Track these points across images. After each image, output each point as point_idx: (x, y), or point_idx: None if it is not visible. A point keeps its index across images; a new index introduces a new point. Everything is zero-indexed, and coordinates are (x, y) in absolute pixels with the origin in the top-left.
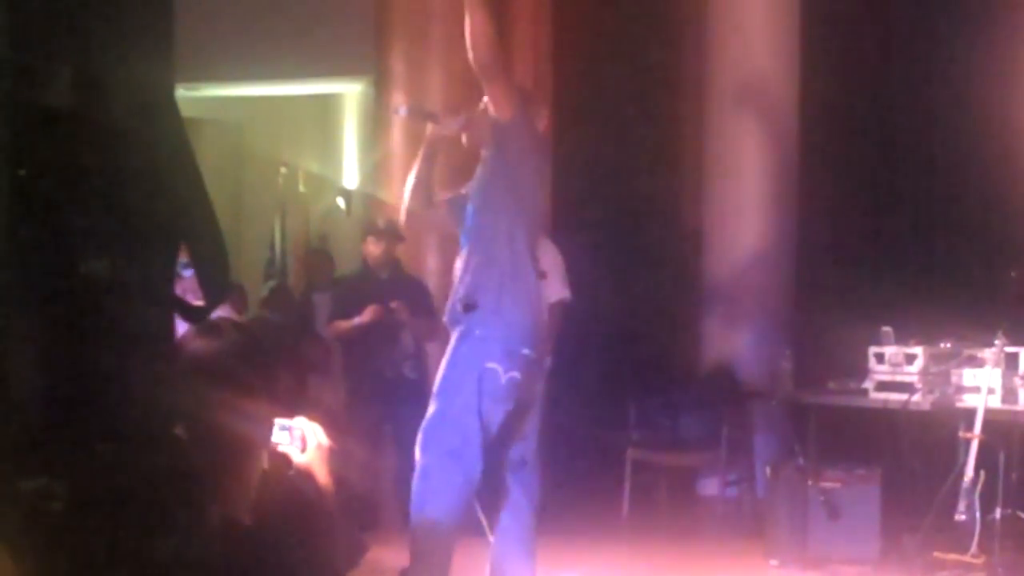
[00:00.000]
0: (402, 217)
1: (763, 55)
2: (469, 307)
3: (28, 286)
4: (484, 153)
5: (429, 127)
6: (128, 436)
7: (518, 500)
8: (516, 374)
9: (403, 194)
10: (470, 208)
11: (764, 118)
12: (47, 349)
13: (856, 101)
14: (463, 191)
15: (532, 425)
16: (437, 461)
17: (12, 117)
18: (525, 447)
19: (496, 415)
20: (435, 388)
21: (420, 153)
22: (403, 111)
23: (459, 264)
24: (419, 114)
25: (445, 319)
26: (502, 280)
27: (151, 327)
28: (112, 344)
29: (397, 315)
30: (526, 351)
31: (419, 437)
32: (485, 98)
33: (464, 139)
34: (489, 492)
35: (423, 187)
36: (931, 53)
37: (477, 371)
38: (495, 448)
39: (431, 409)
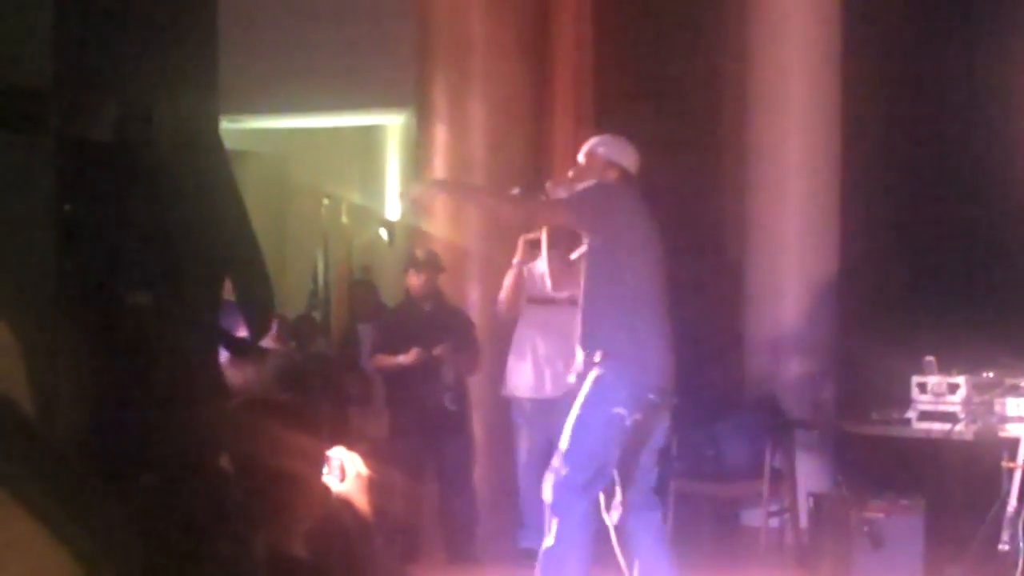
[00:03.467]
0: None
1: (804, 85)
2: (598, 354)
3: (74, 318)
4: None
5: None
6: (172, 467)
7: (648, 543)
8: (639, 416)
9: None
10: (585, 247)
11: (805, 147)
12: (92, 381)
13: (899, 127)
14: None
15: (653, 458)
16: (565, 496)
17: (59, 151)
18: (646, 481)
19: (618, 454)
20: (569, 425)
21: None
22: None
23: (580, 298)
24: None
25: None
26: (630, 324)
27: (196, 359)
28: (157, 376)
29: (440, 358)
30: (651, 396)
31: (552, 474)
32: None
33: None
34: (625, 532)
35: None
36: (978, 76)
37: (606, 415)
38: (625, 484)
39: (565, 444)
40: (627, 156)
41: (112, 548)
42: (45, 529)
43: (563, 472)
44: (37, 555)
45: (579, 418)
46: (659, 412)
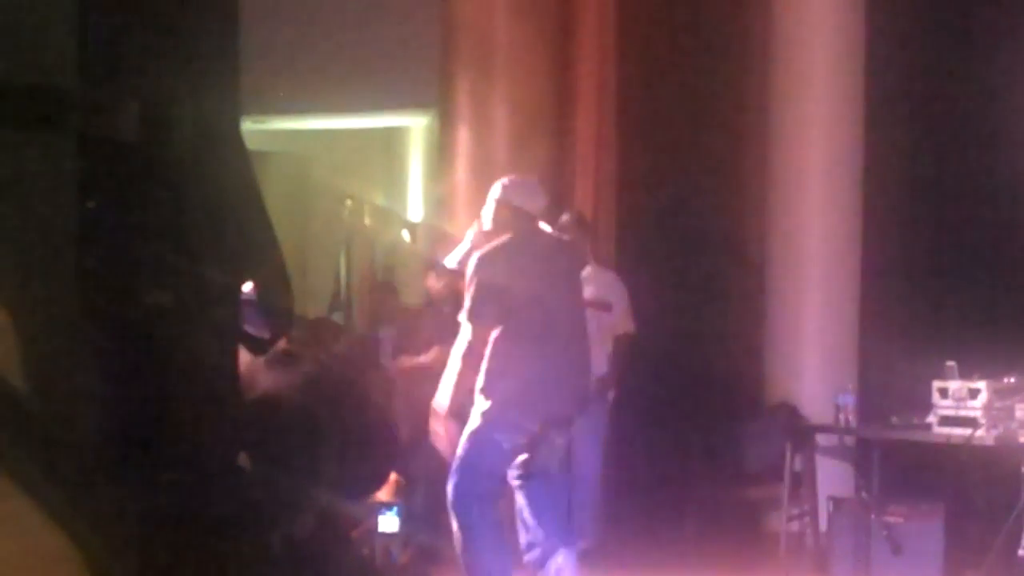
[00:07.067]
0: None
1: (827, 89)
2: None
3: (94, 315)
4: None
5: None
6: (190, 466)
7: None
8: (520, 444)
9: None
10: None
11: (827, 153)
12: (111, 377)
13: (921, 133)
14: None
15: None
16: (478, 518)
17: (81, 149)
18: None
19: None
20: (459, 453)
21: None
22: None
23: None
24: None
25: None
26: (519, 361)
27: (215, 358)
28: (175, 374)
29: None
30: (534, 428)
31: (453, 495)
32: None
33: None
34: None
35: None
36: (998, 83)
37: (490, 441)
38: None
39: (459, 472)
40: (535, 200)
41: (109, 532)
42: (40, 508)
43: (472, 502)
44: (31, 533)
45: (466, 447)
46: (546, 443)
